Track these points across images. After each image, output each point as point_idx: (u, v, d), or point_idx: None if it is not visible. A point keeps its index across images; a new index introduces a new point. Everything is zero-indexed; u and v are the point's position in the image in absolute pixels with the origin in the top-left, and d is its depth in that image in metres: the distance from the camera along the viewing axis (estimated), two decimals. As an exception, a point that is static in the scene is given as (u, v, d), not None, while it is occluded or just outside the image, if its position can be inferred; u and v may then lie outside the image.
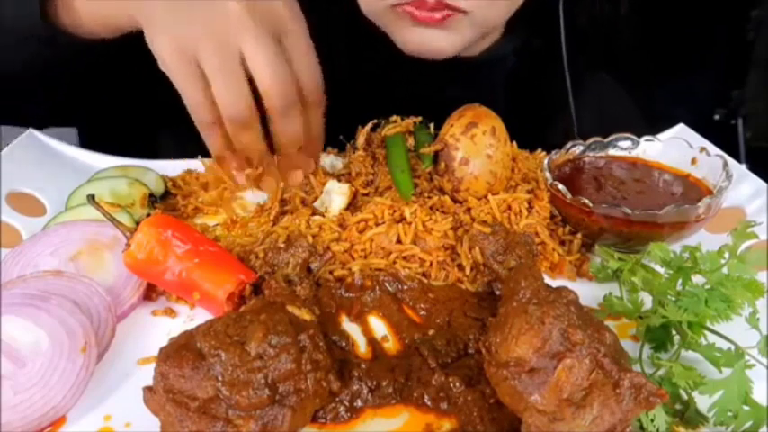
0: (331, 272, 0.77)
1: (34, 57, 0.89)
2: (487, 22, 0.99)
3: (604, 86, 1.22)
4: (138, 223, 0.75)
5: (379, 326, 0.72)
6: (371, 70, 1.06)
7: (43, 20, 0.84)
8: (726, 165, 0.80)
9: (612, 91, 1.24)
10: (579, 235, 0.83)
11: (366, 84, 1.01)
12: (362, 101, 0.95)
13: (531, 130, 0.99)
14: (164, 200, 0.93)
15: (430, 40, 0.97)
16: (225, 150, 0.79)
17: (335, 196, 0.84)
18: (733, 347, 0.60)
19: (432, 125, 0.94)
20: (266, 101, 0.73)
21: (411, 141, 0.91)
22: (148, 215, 0.85)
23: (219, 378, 0.54)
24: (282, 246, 0.77)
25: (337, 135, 0.96)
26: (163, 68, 0.74)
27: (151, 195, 0.90)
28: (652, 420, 0.57)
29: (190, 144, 1.02)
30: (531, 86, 1.17)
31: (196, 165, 1.02)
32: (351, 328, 0.72)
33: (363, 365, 0.65)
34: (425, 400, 0.62)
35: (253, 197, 0.95)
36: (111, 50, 0.88)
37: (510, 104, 0.89)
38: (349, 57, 1.09)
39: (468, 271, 0.77)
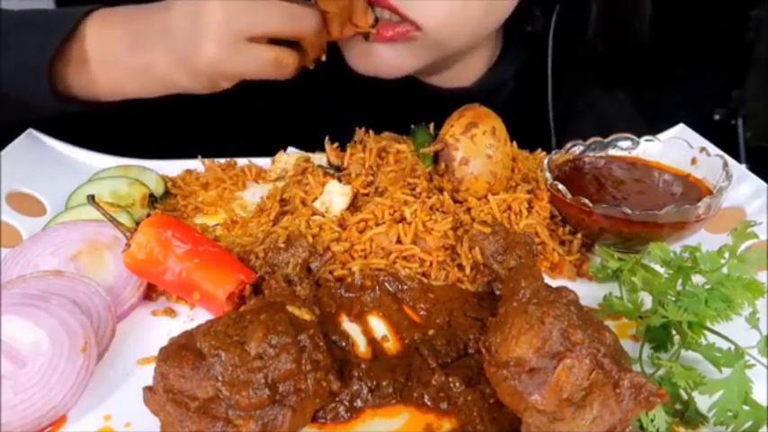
0: (331, 272, 0.77)
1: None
2: (448, 47, 0.96)
3: (603, 94, 1.22)
4: (138, 223, 0.75)
5: (379, 326, 0.72)
6: (365, 108, 1.03)
7: (54, 94, 0.84)
8: (726, 165, 0.80)
9: (612, 97, 1.23)
10: (579, 235, 0.83)
11: (358, 120, 1.00)
12: (349, 121, 0.94)
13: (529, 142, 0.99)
14: (164, 200, 0.93)
15: (383, 56, 0.95)
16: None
17: (337, 197, 0.84)
18: (733, 347, 0.60)
19: (431, 125, 0.94)
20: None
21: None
22: (148, 215, 0.85)
23: (219, 378, 0.54)
24: (282, 246, 0.77)
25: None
26: (233, 79, 0.82)
27: (151, 195, 0.90)
28: (652, 420, 0.57)
29: (190, 144, 1.02)
30: (532, 107, 1.16)
31: (196, 165, 1.02)
32: (351, 328, 0.72)
33: (363, 365, 0.65)
34: (425, 400, 0.62)
35: (252, 197, 0.95)
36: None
37: (512, 127, 0.88)
38: (336, 92, 1.08)
39: (468, 271, 0.77)
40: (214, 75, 0.80)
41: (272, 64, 0.79)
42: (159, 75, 0.82)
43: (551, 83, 1.10)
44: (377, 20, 0.89)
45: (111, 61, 0.83)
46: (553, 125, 1.11)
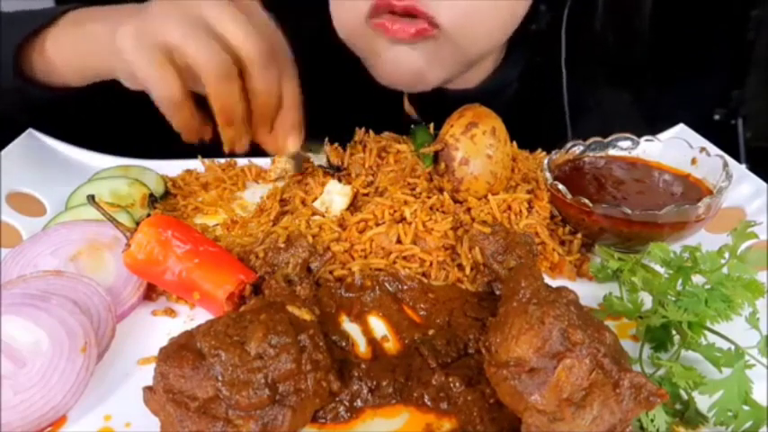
0: (331, 272, 0.77)
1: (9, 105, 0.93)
2: (468, 51, 0.95)
3: (605, 91, 1.22)
4: (138, 223, 0.75)
5: (379, 326, 0.72)
6: (365, 109, 1.01)
7: (17, 72, 0.88)
8: (726, 165, 0.80)
9: (613, 94, 1.23)
10: (579, 235, 0.83)
11: (358, 120, 0.99)
12: (350, 120, 0.94)
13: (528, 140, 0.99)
14: (164, 200, 0.93)
15: (407, 61, 0.92)
16: (193, 123, 0.77)
17: (337, 197, 0.84)
18: (733, 347, 0.60)
19: (431, 125, 0.94)
20: (244, 55, 0.71)
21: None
22: (148, 215, 0.85)
23: (219, 378, 0.54)
24: (282, 246, 0.77)
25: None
26: (127, 63, 0.71)
27: (151, 195, 0.90)
28: (652, 420, 0.57)
29: (190, 144, 1.02)
30: (535, 107, 1.16)
31: (196, 165, 1.02)
32: (351, 328, 0.72)
33: (363, 365, 0.65)
34: (425, 400, 0.62)
35: (252, 197, 0.95)
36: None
37: (514, 128, 0.88)
38: (337, 92, 1.07)
39: (468, 271, 0.77)
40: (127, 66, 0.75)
41: (165, 88, 0.71)
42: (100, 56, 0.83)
43: (566, 81, 1.09)
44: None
45: (61, 50, 0.88)
46: (570, 125, 1.11)
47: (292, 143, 0.81)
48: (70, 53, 0.88)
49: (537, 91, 1.15)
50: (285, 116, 0.79)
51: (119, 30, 0.72)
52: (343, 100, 1.04)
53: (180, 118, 0.74)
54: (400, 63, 0.93)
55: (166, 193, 0.95)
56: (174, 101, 0.72)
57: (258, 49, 0.71)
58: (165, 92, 0.71)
